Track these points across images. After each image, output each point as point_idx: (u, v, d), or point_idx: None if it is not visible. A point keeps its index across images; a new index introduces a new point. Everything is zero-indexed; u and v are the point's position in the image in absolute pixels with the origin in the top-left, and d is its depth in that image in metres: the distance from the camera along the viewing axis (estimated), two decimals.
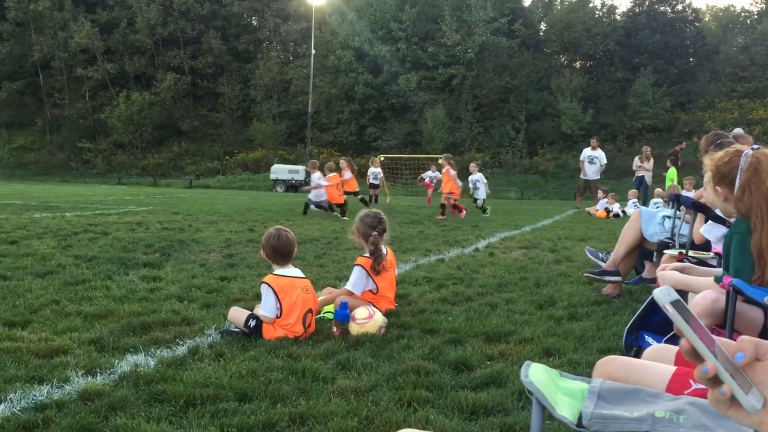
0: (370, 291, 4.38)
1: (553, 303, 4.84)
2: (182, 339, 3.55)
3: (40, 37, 53.84)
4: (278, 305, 3.71)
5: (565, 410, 1.44)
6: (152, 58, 54.78)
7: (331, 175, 14.86)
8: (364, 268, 4.36)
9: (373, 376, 3.00)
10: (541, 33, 49.58)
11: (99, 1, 56.00)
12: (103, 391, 2.68)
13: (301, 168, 41.05)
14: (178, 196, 24.99)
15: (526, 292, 5.24)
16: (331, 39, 48.20)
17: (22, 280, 5.11)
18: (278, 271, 3.90)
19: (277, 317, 3.70)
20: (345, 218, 13.38)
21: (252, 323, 3.68)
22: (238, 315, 3.76)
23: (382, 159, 25.07)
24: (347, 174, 16.48)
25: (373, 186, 23.09)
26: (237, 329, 3.73)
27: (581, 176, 19.41)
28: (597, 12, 46.92)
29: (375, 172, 23.15)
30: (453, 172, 15.45)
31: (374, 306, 4.09)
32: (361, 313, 3.86)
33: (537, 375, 1.50)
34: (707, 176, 2.62)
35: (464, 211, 15.12)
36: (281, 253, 3.93)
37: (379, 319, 3.87)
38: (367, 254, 4.43)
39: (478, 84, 44.88)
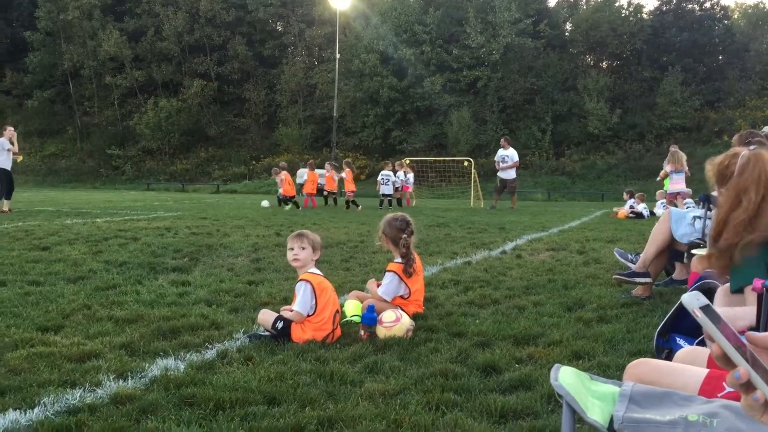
0: (401, 296, 4.37)
1: (582, 305, 4.79)
2: (211, 343, 3.58)
3: (70, 46, 54.79)
4: (314, 302, 3.74)
5: (596, 414, 1.43)
6: (179, 65, 55.44)
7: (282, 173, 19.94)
8: (397, 274, 4.36)
9: (401, 380, 3.00)
10: (566, 33, 49.24)
11: (127, 10, 56.85)
12: (134, 394, 2.71)
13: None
14: (205, 201, 25.24)
15: (555, 295, 5.20)
16: (355, 43, 48.32)
17: (54, 286, 5.19)
18: (313, 270, 3.94)
19: (309, 316, 3.72)
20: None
21: (279, 325, 3.70)
22: (266, 317, 3.79)
23: (407, 162, 25.06)
24: (342, 174, 20.37)
25: (396, 189, 23.17)
26: (265, 332, 3.76)
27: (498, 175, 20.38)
28: (623, 11, 46.43)
29: (398, 175, 23.20)
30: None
31: (402, 309, 4.09)
32: (388, 316, 3.86)
33: (567, 378, 1.49)
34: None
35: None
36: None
37: (406, 322, 3.86)
38: (398, 259, 4.43)
39: (503, 86, 44.68)
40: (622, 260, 5.69)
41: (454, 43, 46.66)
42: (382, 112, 46.61)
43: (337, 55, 43.89)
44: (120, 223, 11.66)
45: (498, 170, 19.98)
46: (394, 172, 23.22)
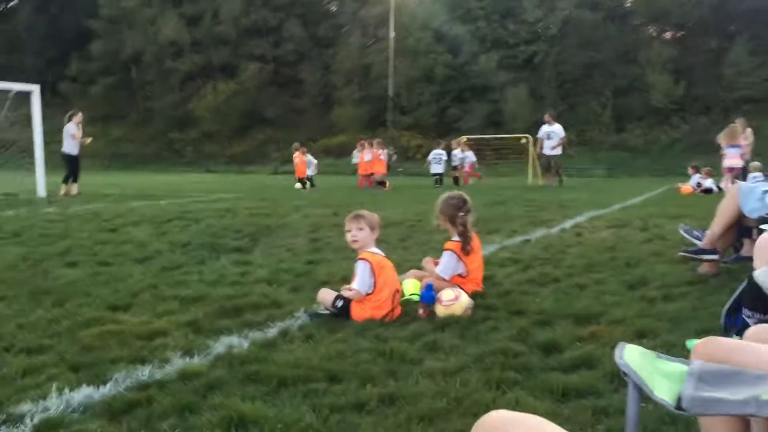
0: (459, 275, 4.36)
1: (646, 283, 4.69)
2: (273, 321, 3.65)
3: (132, 33, 56.07)
4: (373, 281, 3.77)
5: (664, 392, 1.39)
6: (236, 48, 56.11)
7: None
8: (455, 252, 4.34)
9: (460, 358, 3.00)
10: (627, 4, 47.79)
11: None
12: (200, 371, 2.78)
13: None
14: (263, 182, 25.61)
15: (617, 273, 5.10)
16: (409, 21, 47.95)
17: (122, 266, 5.36)
18: (373, 249, 3.96)
19: (368, 294, 3.75)
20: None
21: (339, 303, 3.74)
22: (326, 296, 3.83)
23: (464, 140, 24.87)
24: (367, 156, 20.37)
25: (454, 168, 23.06)
26: (325, 311, 3.80)
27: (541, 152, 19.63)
28: None
29: (455, 153, 23.05)
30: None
31: (460, 288, 4.08)
32: (446, 294, 3.86)
33: (632, 357, 1.46)
34: None
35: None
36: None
37: (465, 300, 3.85)
38: (456, 238, 4.41)
39: (561, 60, 43.75)
40: (688, 237, 5.52)
41: (510, 18, 45.85)
42: (438, 90, 46.27)
43: (392, 34, 43.69)
44: (182, 205, 11.95)
45: (542, 147, 19.41)
46: (449, 150, 23.09)
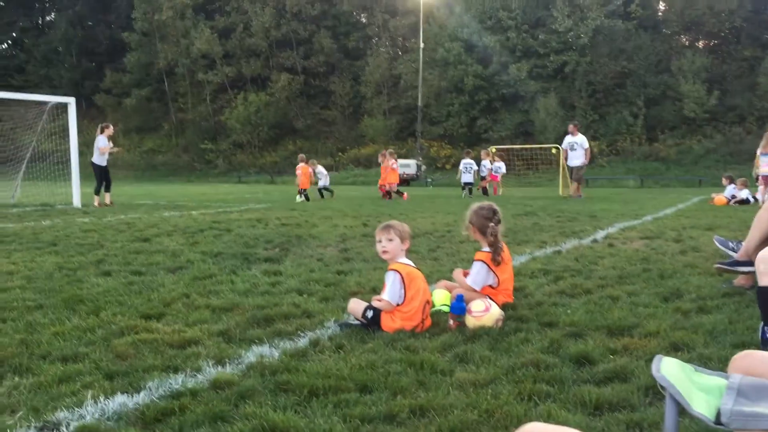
0: (490, 286, 4.33)
1: (680, 295, 4.61)
2: (303, 331, 3.66)
3: (165, 45, 57.06)
4: (403, 292, 3.76)
5: (702, 407, 1.37)
6: (267, 60, 56.75)
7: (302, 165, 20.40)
8: (485, 263, 4.32)
9: (491, 369, 2.97)
10: (659, 13, 47.35)
11: (217, 8, 58.66)
12: (232, 380, 2.80)
13: (412, 162, 41.28)
14: (293, 192, 25.77)
15: (650, 284, 5.03)
16: (439, 32, 48.08)
17: (155, 275, 5.43)
18: (402, 260, 3.95)
19: (398, 305, 3.74)
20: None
21: (369, 314, 3.74)
22: (356, 306, 3.83)
23: (494, 150, 24.80)
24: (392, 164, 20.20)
25: (483, 178, 23.05)
26: (355, 321, 3.80)
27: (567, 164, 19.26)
28: None
29: (484, 164, 23.02)
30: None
31: (491, 299, 4.05)
32: (477, 305, 3.83)
33: (670, 370, 1.44)
34: None
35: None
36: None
37: (495, 311, 3.82)
38: (486, 248, 4.38)
39: (592, 70, 43.45)
40: (723, 248, 5.42)
41: (540, 28, 45.71)
42: (467, 101, 46.24)
43: (421, 45, 43.79)
44: (214, 215, 12.07)
45: (566, 158, 19.13)
46: (479, 161, 23.08)
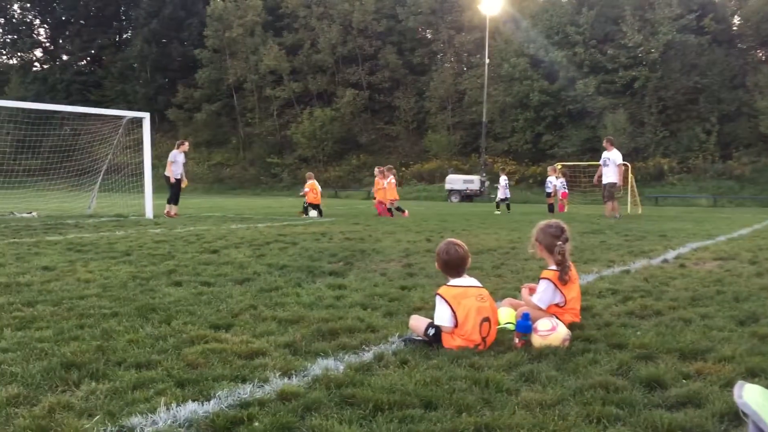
0: (556, 305, 4.26)
1: (756, 319, 4.44)
2: (368, 345, 3.68)
3: (234, 62, 58.60)
4: (452, 314, 3.73)
5: None
6: (333, 76, 57.56)
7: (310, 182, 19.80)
8: (552, 281, 4.25)
9: (558, 390, 2.92)
10: (734, 27, 45.93)
11: (285, 26, 59.90)
12: (298, 392, 2.84)
13: (475, 178, 41.09)
14: (357, 207, 25.98)
15: (724, 307, 4.85)
16: (505, 47, 47.83)
17: (224, 287, 5.56)
18: (452, 281, 3.92)
19: (455, 326, 3.71)
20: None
21: (431, 332, 3.73)
22: (418, 324, 3.82)
23: (559, 167, 24.47)
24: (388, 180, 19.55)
25: (548, 195, 22.83)
26: (419, 337, 3.80)
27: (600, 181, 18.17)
28: None
29: (550, 180, 22.77)
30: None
31: (557, 318, 3.98)
32: (543, 324, 3.78)
33: (753, 396, 1.39)
34: None
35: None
36: (452, 267, 3.96)
37: (562, 331, 3.76)
38: (553, 267, 4.31)
39: (662, 85, 42.41)
40: None
41: (609, 42, 44.95)
42: (532, 116, 45.77)
43: (487, 60, 43.64)
44: (279, 228, 12.28)
45: (600, 174, 18.01)
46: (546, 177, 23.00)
